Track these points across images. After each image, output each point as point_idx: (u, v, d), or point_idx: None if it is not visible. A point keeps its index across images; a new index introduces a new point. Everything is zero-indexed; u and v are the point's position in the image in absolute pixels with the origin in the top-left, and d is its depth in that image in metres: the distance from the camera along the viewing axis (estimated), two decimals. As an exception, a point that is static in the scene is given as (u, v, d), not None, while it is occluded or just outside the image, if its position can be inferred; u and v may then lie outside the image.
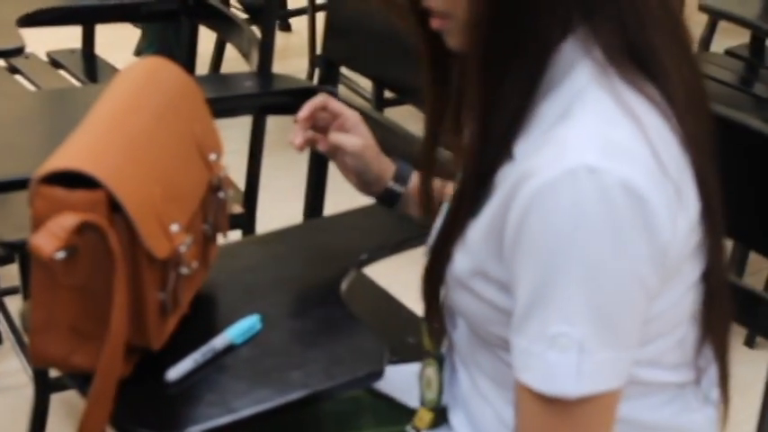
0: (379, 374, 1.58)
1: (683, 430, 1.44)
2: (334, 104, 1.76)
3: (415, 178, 1.75)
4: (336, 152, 1.76)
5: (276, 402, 1.51)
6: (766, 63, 3.37)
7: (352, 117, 1.77)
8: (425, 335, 1.56)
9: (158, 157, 1.57)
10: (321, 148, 1.76)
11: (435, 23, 1.35)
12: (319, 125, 1.76)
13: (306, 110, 1.74)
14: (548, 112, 1.28)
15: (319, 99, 1.75)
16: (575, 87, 1.27)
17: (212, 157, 1.71)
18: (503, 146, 1.29)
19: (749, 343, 2.96)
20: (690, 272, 1.32)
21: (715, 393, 1.46)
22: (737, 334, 2.98)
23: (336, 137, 1.74)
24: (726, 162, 1.55)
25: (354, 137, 1.74)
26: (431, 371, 1.55)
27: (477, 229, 1.32)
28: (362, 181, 1.77)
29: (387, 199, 1.78)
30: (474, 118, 1.34)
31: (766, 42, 3.37)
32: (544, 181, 1.20)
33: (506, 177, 1.27)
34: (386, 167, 1.78)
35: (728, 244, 2.88)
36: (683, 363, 1.39)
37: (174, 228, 1.53)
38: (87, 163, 1.43)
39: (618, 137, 1.22)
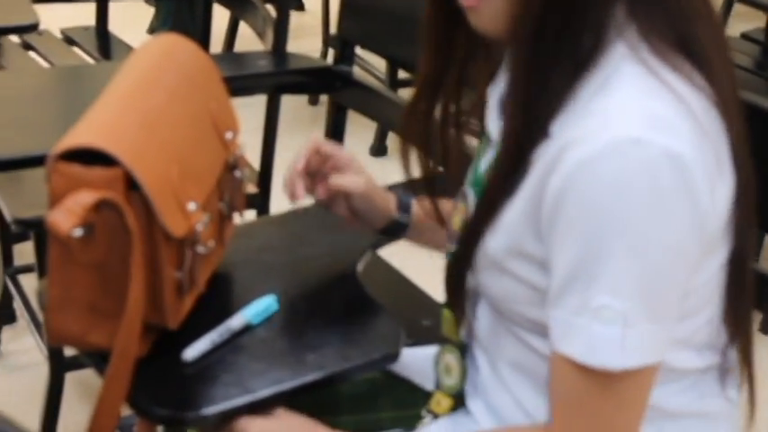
0: (394, 357, 1.57)
1: (703, 415, 1.44)
2: (326, 147, 1.66)
3: (417, 206, 1.70)
4: (335, 198, 1.68)
5: (293, 383, 1.51)
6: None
7: (345, 156, 1.67)
8: (446, 321, 1.55)
9: (175, 136, 1.57)
10: (320, 196, 1.67)
11: (467, 1, 1.33)
12: (312, 170, 1.66)
13: (302, 160, 1.63)
14: (585, 86, 1.28)
15: (311, 144, 1.66)
16: (610, 64, 1.27)
17: (229, 135, 1.70)
18: (543, 126, 1.29)
19: (764, 329, 2.95)
20: (723, 248, 1.32)
21: (735, 378, 1.45)
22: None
23: (338, 180, 1.65)
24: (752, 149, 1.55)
25: (355, 176, 1.66)
26: (451, 357, 1.55)
27: (514, 209, 1.32)
28: (367, 219, 1.70)
29: (394, 231, 1.73)
30: (515, 101, 1.33)
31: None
32: (588, 153, 1.21)
33: (543, 154, 1.27)
34: (388, 199, 1.71)
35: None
36: (709, 345, 1.39)
37: (191, 206, 1.53)
38: (104, 140, 1.43)
39: (658, 108, 1.23)
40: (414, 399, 1.63)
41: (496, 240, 1.35)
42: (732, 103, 1.31)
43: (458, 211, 1.49)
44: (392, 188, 1.72)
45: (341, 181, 1.65)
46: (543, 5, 1.26)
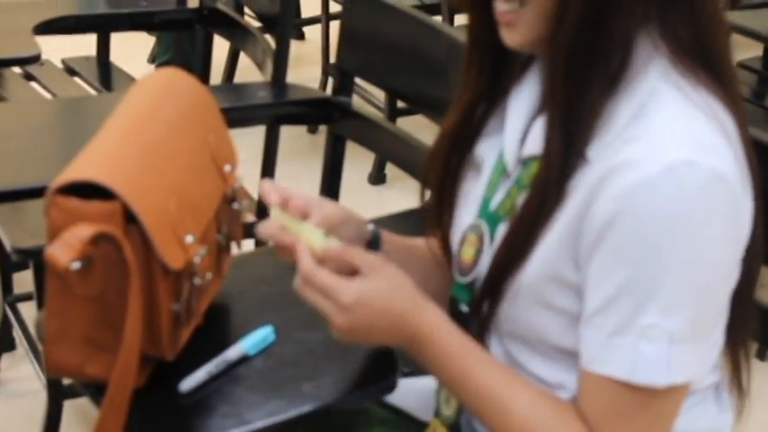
0: (391, 387, 1.58)
1: None
2: (294, 203, 1.51)
3: (386, 241, 1.63)
4: None
5: (289, 414, 1.51)
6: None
7: (311, 202, 1.53)
8: None
9: (173, 168, 1.57)
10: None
11: (505, 18, 1.33)
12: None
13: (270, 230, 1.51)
14: (620, 111, 1.28)
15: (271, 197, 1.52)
16: (646, 87, 1.28)
17: (227, 168, 1.71)
18: (580, 151, 1.30)
19: (761, 356, 2.95)
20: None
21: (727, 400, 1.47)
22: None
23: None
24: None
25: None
26: None
27: (550, 238, 1.32)
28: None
29: None
30: (554, 124, 1.32)
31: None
32: (643, 177, 1.22)
33: (582, 182, 1.29)
34: (364, 230, 1.60)
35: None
36: (714, 366, 1.41)
37: (189, 239, 1.53)
38: (103, 174, 1.44)
39: (702, 131, 1.25)
40: (407, 428, 1.63)
41: (531, 270, 1.34)
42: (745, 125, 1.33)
43: (468, 243, 1.47)
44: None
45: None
46: (576, 22, 1.27)
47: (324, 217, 1.49)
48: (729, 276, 1.29)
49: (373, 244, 1.60)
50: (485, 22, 1.38)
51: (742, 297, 1.36)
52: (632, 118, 1.27)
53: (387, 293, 1.40)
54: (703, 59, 1.29)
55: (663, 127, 1.25)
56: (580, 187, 1.28)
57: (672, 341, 1.24)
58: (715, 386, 1.43)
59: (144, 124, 1.61)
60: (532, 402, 1.35)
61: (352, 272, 1.40)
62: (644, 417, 1.29)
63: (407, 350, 1.41)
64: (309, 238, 1.43)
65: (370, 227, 1.60)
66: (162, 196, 1.50)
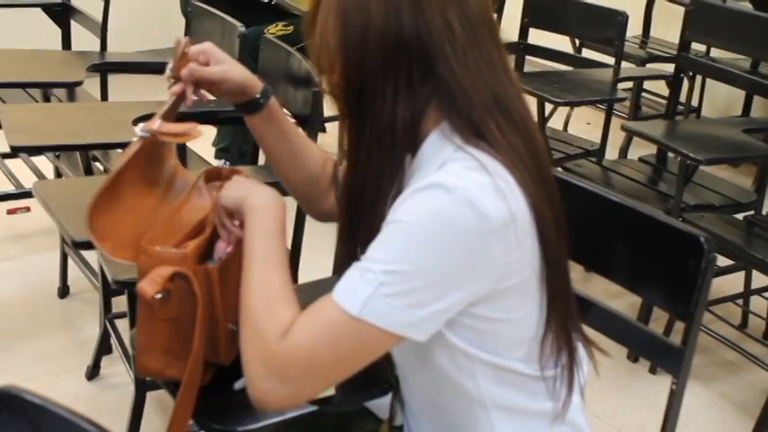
0: (385, 391, 1.55)
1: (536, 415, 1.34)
2: (192, 49, 1.46)
3: (276, 105, 1.53)
4: (212, 88, 1.49)
5: (311, 408, 1.50)
6: (668, 168, 3.38)
7: (208, 48, 1.47)
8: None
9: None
10: (192, 96, 1.46)
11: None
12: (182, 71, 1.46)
13: (170, 67, 1.46)
14: (426, 175, 1.19)
15: (179, 50, 1.46)
16: (443, 157, 1.20)
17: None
18: (373, 201, 1.23)
19: (652, 371, 2.94)
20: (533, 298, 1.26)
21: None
22: (643, 365, 2.96)
23: (197, 71, 1.45)
24: (639, 241, 1.55)
25: (215, 68, 1.46)
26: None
27: None
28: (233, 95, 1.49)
29: (250, 107, 1.51)
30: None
31: (668, 154, 3.38)
32: (408, 191, 1.17)
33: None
34: (254, 83, 1.49)
35: (637, 300, 2.88)
36: (534, 358, 1.31)
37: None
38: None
39: (473, 175, 1.15)
40: (374, 427, 1.58)
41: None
42: (526, 171, 1.20)
43: None
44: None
45: (201, 71, 1.46)
46: (361, 116, 1.23)
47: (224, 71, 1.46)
48: (458, 281, 1.15)
49: (259, 100, 1.50)
50: None
51: (554, 311, 1.28)
52: (436, 170, 1.19)
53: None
54: (475, 129, 1.20)
55: (445, 171, 1.17)
56: None
57: (378, 287, 1.13)
58: (549, 377, 1.31)
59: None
60: (282, 280, 1.25)
61: None
62: (328, 331, 1.16)
63: (244, 211, 1.34)
64: None
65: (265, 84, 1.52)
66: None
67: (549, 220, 1.22)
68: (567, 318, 1.31)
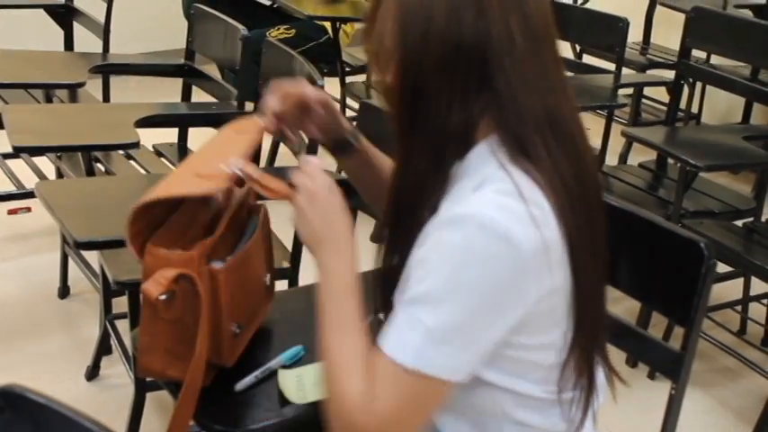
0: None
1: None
2: (289, 89, 1.48)
3: (365, 144, 1.55)
4: (305, 119, 1.50)
5: (312, 411, 1.50)
6: (668, 174, 3.38)
7: (310, 92, 1.47)
8: None
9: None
10: (291, 136, 1.52)
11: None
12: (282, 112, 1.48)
13: (272, 102, 1.47)
14: (467, 185, 1.19)
15: (278, 92, 1.47)
16: (485, 172, 1.18)
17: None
18: (420, 203, 1.21)
19: (651, 376, 2.94)
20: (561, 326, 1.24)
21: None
22: (641, 370, 2.96)
23: (305, 90, 1.47)
24: (639, 246, 1.56)
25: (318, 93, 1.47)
26: None
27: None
28: (327, 132, 1.52)
29: (343, 148, 1.54)
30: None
31: (668, 160, 3.38)
32: (442, 217, 1.16)
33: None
34: (345, 122, 1.52)
35: (637, 304, 2.88)
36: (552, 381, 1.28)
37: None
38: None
39: (507, 203, 1.14)
40: None
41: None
42: (566, 194, 1.18)
43: None
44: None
45: (302, 89, 1.47)
46: (414, 118, 1.20)
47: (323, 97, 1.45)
48: (501, 318, 1.15)
49: (347, 143, 1.52)
50: None
51: (581, 338, 1.25)
52: (472, 191, 1.17)
53: (337, 206, 1.31)
54: (522, 147, 1.18)
55: (479, 195, 1.15)
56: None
57: (429, 338, 1.12)
58: (563, 399, 1.29)
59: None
60: (355, 344, 1.21)
61: None
62: (393, 389, 1.14)
63: (313, 248, 1.30)
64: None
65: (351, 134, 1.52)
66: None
67: (584, 248, 1.20)
68: (593, 345, 1.30)
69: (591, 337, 1.28)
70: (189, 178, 1.40)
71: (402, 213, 1.26)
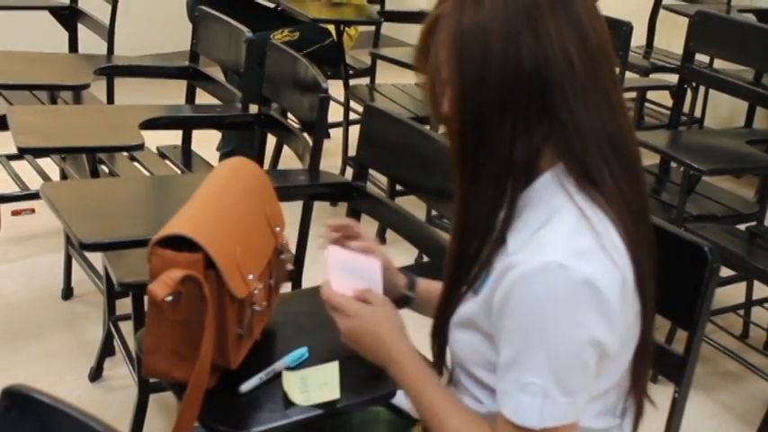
0: (390, 395, 1.56)
1: None
2: (356, 228, 1.56)
3: (421, 282, 1.58)
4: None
5: (317, 412, 1.51)
6: (671, 178, 3.38)
7: (367, 237, 1.55)
8: None
9: (239, 227, 1.58)
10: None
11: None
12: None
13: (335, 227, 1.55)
14: (534, 217, 1.19)
15: (345, 222, 1.57)
16: (554, 204, 1.19)
17: (277, 229, 1.71)
18: (485, 235, 1.22)
19: (654, 380, 2.94)
20: (631, 347, 1.26)
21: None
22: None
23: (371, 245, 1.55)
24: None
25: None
26: None
27: (475, 302, 1.26)
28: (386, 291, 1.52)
29: (404, 303, 1.57)
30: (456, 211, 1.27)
31: (671, 164, 3.38)
32: (522, 272, 1.14)
33: (499, 266, 1.20)
34: (400, 277, 1.57)
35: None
36: (611, 411, 1.31)
37: (251, 276, 1.54)
38: (192, 230, 1.44)
39: (580, 243, 1.15)
40: (405, 425, 1.59)
41: (457, 318, 1.29)
42: (630, 220, 1.20)
43: None
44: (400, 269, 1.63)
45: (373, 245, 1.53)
46: (476, 149, 1.19)
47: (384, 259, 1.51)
48: (597, 352, 1.16)
49: (407, 298, 1.56)
50: None
51: (643, 350, 1.27)
52: (541, 225, 1.18)
53: (379, 320, 1.37)
54: (588, 175, 1.18)
55: (551, 237, 1.15)
56: (497, 270, 1.20)
57: (546, 395, 1.15)
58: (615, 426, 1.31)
59: (219, 196, 1.62)
60: (462, 422, 1.26)
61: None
62: None
63: (384, 368, 1.36)
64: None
65: (408, 275, 1.58)
66: (231, 245, 1.51)
67: (648, 273, 1.21)
68: (646, 367, 1.30)
69: (646, 366, 1.29)
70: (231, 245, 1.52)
71: (467, 245, 1.26)
